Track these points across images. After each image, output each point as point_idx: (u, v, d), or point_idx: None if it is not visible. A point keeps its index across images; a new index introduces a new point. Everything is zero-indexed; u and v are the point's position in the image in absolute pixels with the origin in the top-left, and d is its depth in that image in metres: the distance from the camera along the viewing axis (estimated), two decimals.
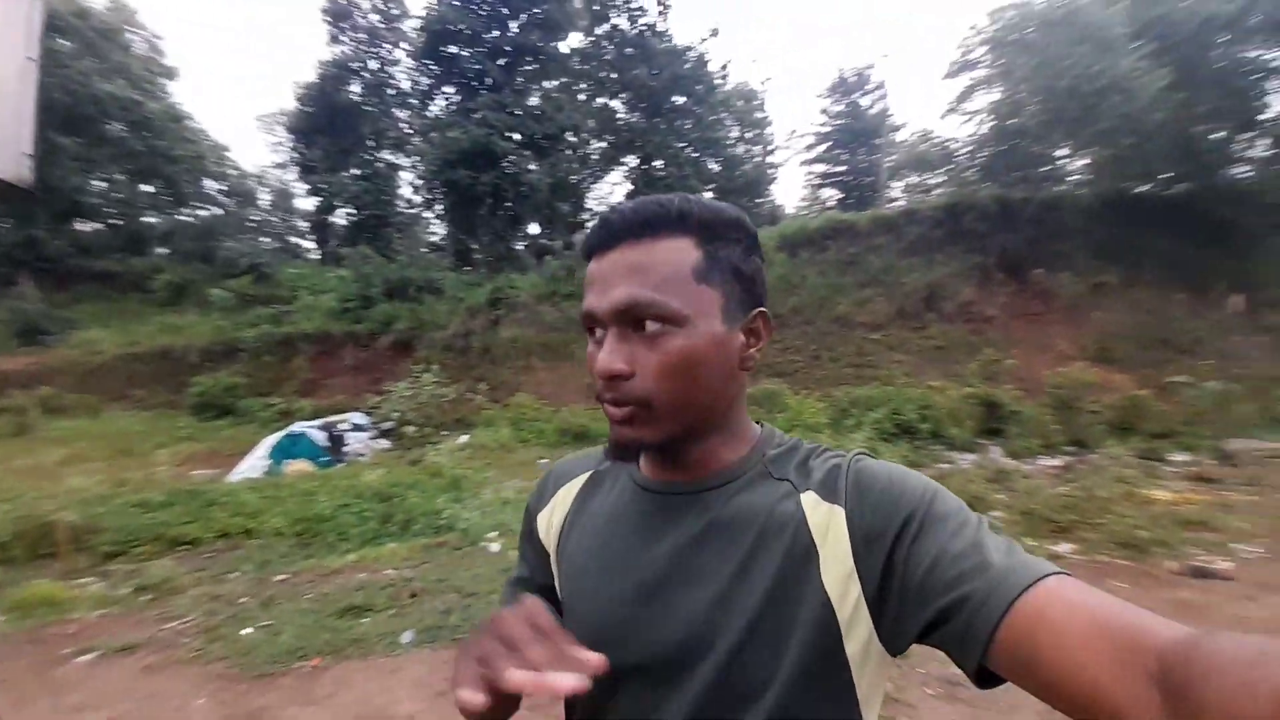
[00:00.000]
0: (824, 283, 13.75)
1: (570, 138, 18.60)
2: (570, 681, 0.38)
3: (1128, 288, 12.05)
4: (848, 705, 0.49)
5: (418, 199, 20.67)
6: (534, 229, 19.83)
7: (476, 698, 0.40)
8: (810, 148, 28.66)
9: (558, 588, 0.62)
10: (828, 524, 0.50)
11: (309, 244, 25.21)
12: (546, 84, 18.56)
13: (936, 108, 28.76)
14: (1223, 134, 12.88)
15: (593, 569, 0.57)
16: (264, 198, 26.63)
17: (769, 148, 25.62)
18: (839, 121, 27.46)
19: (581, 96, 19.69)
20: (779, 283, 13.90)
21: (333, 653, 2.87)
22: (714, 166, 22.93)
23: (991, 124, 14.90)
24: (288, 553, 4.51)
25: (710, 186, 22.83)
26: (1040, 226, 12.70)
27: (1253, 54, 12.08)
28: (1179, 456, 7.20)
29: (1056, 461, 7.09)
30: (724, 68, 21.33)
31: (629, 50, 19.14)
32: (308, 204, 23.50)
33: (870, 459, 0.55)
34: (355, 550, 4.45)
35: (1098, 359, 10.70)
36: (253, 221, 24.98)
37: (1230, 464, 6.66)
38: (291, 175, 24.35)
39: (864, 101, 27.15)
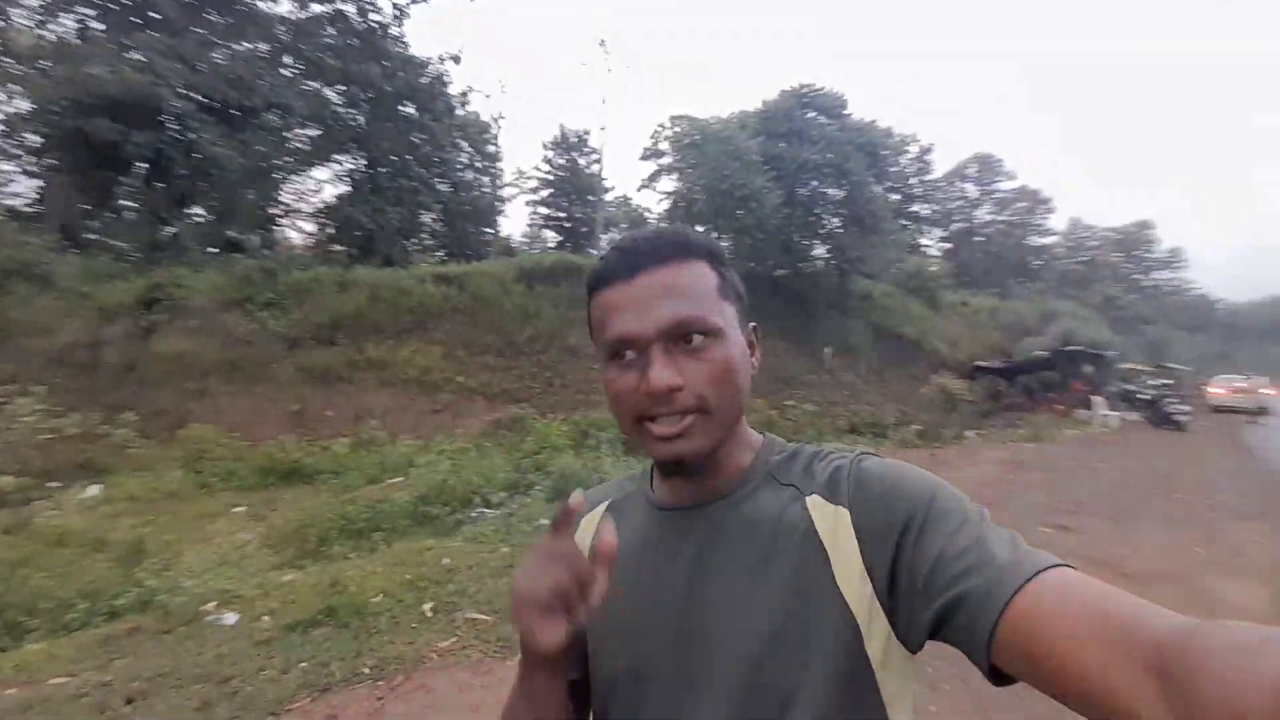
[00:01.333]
0: (556, 315, 14.75)
1: (273, 118, 15.64)
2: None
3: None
4: (874, 707, 0.49)
5: None
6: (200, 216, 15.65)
7: (559, 634, 0.50)
8: (535, 190, 30.49)
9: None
10: (835, 526, 0.51)
11: None
12: (244, 45, 15.31)
13: (636, 180, 34.07)
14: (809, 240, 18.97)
15: (615, 600, 0.56)
16: None
17: (498, 182, 26.06)
18: (560, 173, 30.01)
19: (287, 74, 16.81)
20: (517, 312, 14.37)
21: None
22: (442, 187, 22.22)
23: (671, 205, 18.90)
24: None
25: (438, 207, 21.99)
26: None
27: (825, 191, 18.22)
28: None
29: None
30: (464, 94, 21.09)
31: (355, 42, 17.37)
32: None
33: (873, 458, 0.55)
34: None
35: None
36: None
37: None
38: None
39: (581, 160, 30.29)
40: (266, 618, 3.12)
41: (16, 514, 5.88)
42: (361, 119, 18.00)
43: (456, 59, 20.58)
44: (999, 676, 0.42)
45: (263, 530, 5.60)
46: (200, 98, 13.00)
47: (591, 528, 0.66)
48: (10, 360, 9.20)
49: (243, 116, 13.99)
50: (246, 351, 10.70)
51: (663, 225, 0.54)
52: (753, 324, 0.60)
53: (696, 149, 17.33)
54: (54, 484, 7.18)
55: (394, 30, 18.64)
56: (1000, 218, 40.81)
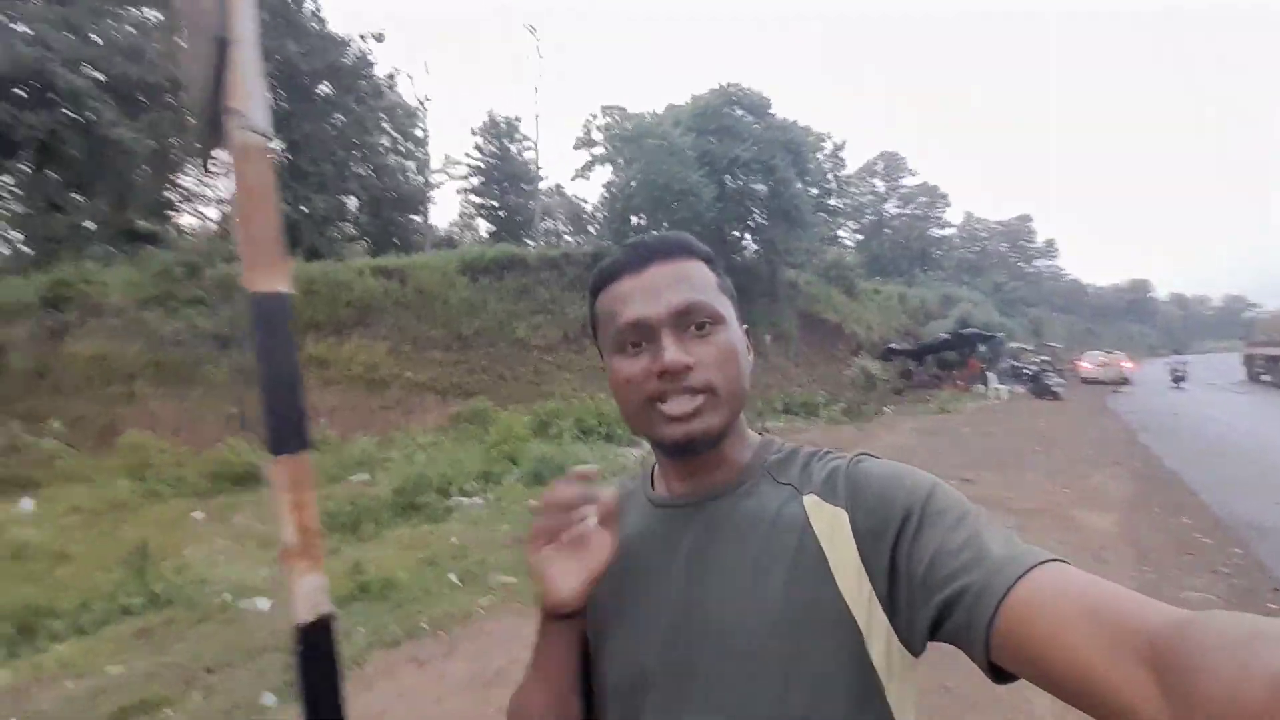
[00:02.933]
0: (503, 307, 14.83)
1: (173, 98, 14.50)
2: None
3: None
4: (878, 710, 0.49)
5: None
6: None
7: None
8: (466, 177, 29.71)
9: (586, 617, 0.61)
10: (832, 527, 0.51)
11: None
12: (137, 12, 14.03)
13: (568, 169, 33.85)
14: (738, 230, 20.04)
15: (617, 598, 0.58)
16: None
17: (426, 169, 25.23)
18: (491, 160, 29.39)
19: (185, 45, 15.58)
20: (463, 305, 14.30)
21: None
22: (366, 172, 21.30)
23: (607, 197, 19.34)
24: None
25: (363, 194, 21.10)
26: None
27: (754, 186, 19.21)
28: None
29: None
30: (391, 76, 20.28)
31: (265, 16, 16.30)
32: None
33: (870, 459, 0.55)
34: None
35: None
36: None
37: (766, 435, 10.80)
38: None
39: (513, 148, 29.81)
40: None
41: None
42: (277, 99, 16.96)
43: (379, 37, 19.79)
44: (999, 674, 0.42)
45: (233, 533, 5.61)
46: (96, 74, 11.91)
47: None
48: None
49: (143, 95, 12.92)
50: (174, 352, 10.11)
51: (666, 233, 0.62)
52: (744, 326, 0.61)
53: (633, 143, 17.81)
54: None
55: (308, 5, 17.68)
56: (905, 211, 44.36)
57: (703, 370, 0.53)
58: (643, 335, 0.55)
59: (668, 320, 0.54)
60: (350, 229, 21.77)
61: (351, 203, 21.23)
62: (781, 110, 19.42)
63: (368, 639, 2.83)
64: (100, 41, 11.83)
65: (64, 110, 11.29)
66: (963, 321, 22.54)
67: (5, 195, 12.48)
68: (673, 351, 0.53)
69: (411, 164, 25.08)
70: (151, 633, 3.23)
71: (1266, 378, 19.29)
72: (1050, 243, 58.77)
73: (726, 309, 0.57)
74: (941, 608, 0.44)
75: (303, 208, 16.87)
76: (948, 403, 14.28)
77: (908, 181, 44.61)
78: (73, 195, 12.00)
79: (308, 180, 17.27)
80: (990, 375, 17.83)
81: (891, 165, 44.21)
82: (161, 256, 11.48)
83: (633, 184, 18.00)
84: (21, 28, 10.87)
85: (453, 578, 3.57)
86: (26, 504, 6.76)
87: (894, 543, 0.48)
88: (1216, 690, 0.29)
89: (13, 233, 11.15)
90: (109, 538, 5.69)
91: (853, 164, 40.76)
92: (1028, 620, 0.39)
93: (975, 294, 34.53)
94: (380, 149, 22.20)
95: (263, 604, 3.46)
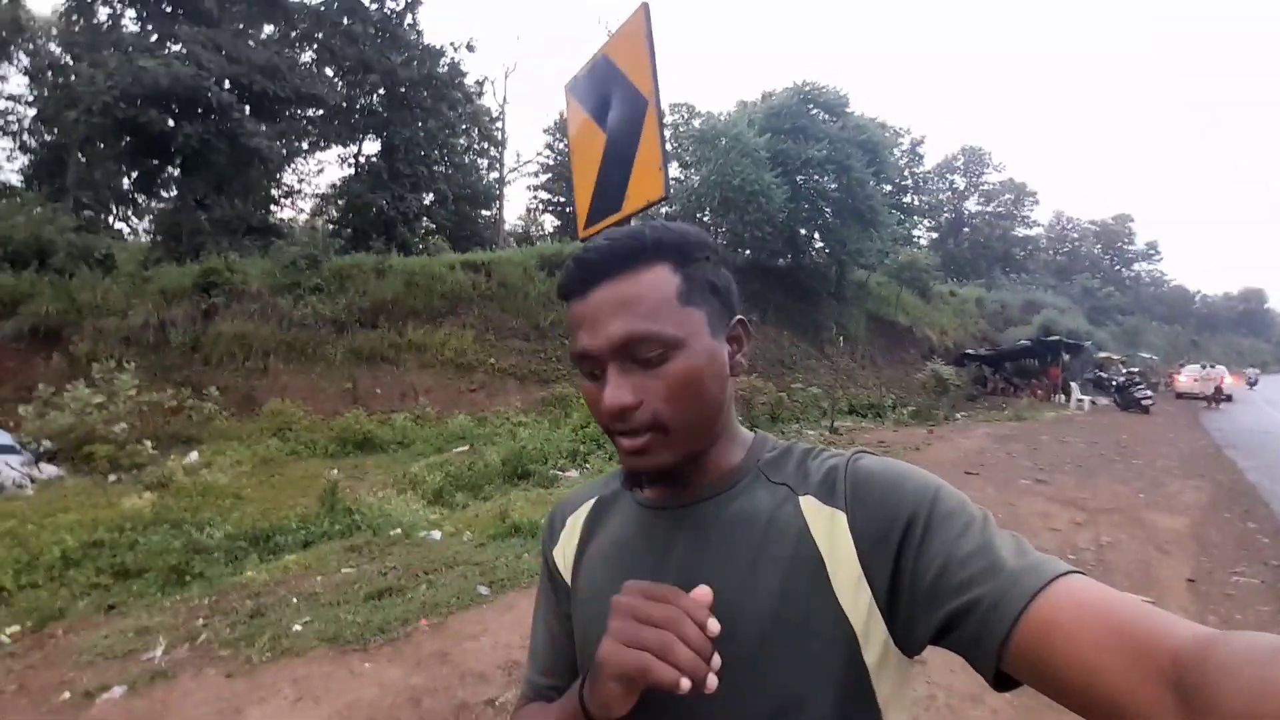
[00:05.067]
0: None
1: (298, 108, 16.23)
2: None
3: (760, 326, 17.63)
4: (869, 711, 0.49)
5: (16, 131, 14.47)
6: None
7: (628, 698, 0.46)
8: (536, 174, 31.06)
9: (573, 619, 0.61)
10: (831, 530, 0.50)
11: None
12: (268, 29, 15.80)
13: None
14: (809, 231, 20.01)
15: (605, 597, 0.53)
16: None
17: (502, 166, 26.63)
18: (560, 157, 30.52)
19: (310, 62, 17.34)
20: (541, 298, 15.26)
21: (430, 612, 3.01)
22: (444, 170, 22.77)
23: (677, 194, 19.74)
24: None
25: (446, 190, 22.60)
26: None
27: (826, 185, 18.95)
28: (810, 432, 11.35)
29: None
30: (480, 84, 21.59)
31: (370, 29, 17.81)
32: None
33: (869, 457, 0.54)
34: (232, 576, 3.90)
35: (749, 371, 15.45)
36: None
37: (836, 434, 10.99)
38: None
39: None
40: (468, 533, 4.15)
41: (139, 477, 6.81)
42: (380, 107, 18.54)
43: (471, 47, 21.14)
44: (1001, 681, 0.42)
45: (383, 482, 6.62)
46: (237, 88, 13.58)
47: (578, 526, 0.66)
48: (87, 339, 9.99)
49: (276, 105, 14.58)
50: (301, 334, 11.52)
51: (631, 226, 0.57)
52: (739, 317, 0.57)
53: (705, 143, 18.16)
54: (154, 452, 8.09)
55: (408, 19, 19.15)
56: (987, 209, 42.15)
57: (649, 406, 0.51)
58: (592, 365, 0.53)
59: (609, 355, 0.51)
60: (429, 224, 23.44)
61: (431, 198, 22.85)
62: (859, 105, 19.24)
63: (533, 564, 3.56)
64: (240, 59, 13.48)
65: (212, 120, 12.99)
66: (1046, 329, 21.48)
67: (161, 195, 14.40)
68: (611, 393, 0.50)
69: (485, 162, 26.57)
70: (358, 550, 4.09)
71: None
72: (1152, 245, 53.96)
73: (689, 324, 0.52)
74: (949, 618, 0.43)
75: (399, 206, 18.41)
76: (1024, 411, 13.88)
77: (991, 178, 42.39)
78: (214, 195, 13.79)
79: (402, 181, 18.82)
80: (1073, 385, 17.03)
81: (973, 160, 42.09)
82: (289, 250, 13.01)
83: (696, 181, 18.36)
84: (177, 47, 12.61)
85: None
86: (193, 455, 8.13)
87: (898, 548, 0.46)
88: (1237, 708, 0.29)
89: (165, 228, 12.93)
90: (269, 484, 6.84)
91: (931, 159, 39.28)
92: (1046, 636, 0.38)
93: (1062, 299, 32.52)
94: (459, 148, 23.71)
95: (436, 535, 4.28)
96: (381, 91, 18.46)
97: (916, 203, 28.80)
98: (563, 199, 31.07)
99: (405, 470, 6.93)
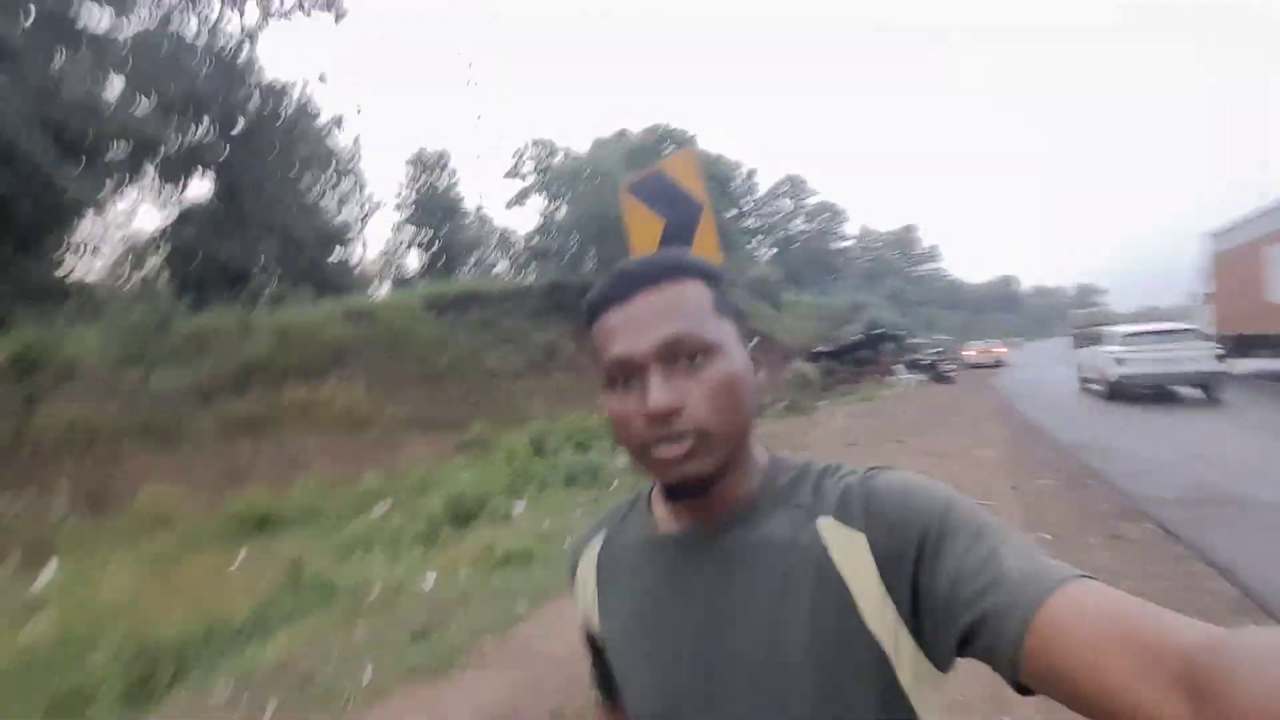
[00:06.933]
0: (470, 340, 15.60)
1: (119, 151, 14.32)
2: None
3: None
4: None
5: None
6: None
7: None
8: (397, 209, 29.87)
9: (609, 661, 0.62)
10: (851, 553, 0.49)
11: None
12: (86, 69, 13.80)
13: (498, 198, 34.43)
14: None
15: (634, 637, 0.56)
16: None
17: (362, 204, 25.33)
18: (420, 194, 29.77)
19: (115, 88, 15.33)
20: (432, 341, 14.94)
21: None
22: (294, 212, 21.11)
23: (542, 226, 20.69)
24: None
25: (306, 232, 20.92)
26: None
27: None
28: None
29: None
30: (332, 121, 20.57)
31: (208, 69, 16.28)
32: None
33: (884, 474, 0.53)
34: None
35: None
36: None
37: None
38: None
39: (441, 182, 30.36)
40: (464, 570, 4.39)
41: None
42: (219, 145, 16.87)
43: (322, 79, 20.18)
44: (1024, 689, 0.41)
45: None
46: (48, 129, 11.75)
47: (592, 566, 0.66)
48: None
49: (95, 149, 12.78)
50: (157, 411, 10.20)
51: (661, 252, 0.59)
52: (755, 339, 0.60)
53: (574, 176, 19.26)
54: None
55: (247, 54, 17.79)
56: (810, 227, 49.02)
57: (693, 410, 0.50)
58: (630, 372, 0.52)
59: (653, 356, 0.51)
60: (283, 269, 21.46)
61: (283, 244, 20.99)
62: (703, 143, 21.78)
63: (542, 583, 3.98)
64: (54, 97, 11.68)
65: (19, 170, 11.06)
66: (872, 323, 25.76)
67: None
68: (657, 394, 0.50)
69: (341, 204, 25.05)
70: (353, 613, 4.16)
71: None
72: (933, 248, 66.60)
73: (724, 333, 0.53)
74: (966, 632, 0.43)
75: (248, 254, 16.77)
76: (868, 393, 16.70)
77: (810, 200, 49.47)
78: (21, 253, 11.66)
79: (249, 226, 17.17)
80: (899, 367, 20.74)
81: (796, 186, 48.85)
82: (126, 313, 11.45)
83: (564, 214, 19.27)
84: None
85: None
86: (52, 568, 6.93)
87: (915, 565, 0.46)
88: (1249, 707, 0.29)
89: None
90: (180, 586, 6.17)
91: (762, 186, 44.74)
92: (1054, 643, 0.38)
93: (876, 298, 38.86)
94: (312, 190, 22.16)
95: (427, 583, 4.46)
96: (217, 128, 16.82)
97: (757, 225, 32.75)
98: (426, 235, 29.97)
99: (331, 540, 6.66)
